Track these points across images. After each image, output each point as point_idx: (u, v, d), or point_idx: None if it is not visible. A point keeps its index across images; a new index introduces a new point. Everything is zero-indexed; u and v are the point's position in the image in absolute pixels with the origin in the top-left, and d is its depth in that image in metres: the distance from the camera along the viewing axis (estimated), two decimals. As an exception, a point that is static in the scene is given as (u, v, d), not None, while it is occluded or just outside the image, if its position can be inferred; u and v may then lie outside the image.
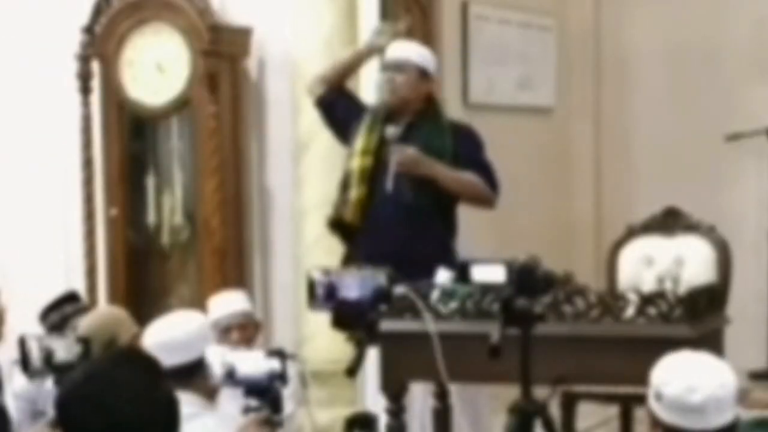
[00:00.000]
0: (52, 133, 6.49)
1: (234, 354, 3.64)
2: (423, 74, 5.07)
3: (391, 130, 4.97)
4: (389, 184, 4.94)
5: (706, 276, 4.99)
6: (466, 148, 5.03)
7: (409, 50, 5.15)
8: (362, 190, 4.98)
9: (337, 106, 5.19)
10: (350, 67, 5.31)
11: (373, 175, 4.98)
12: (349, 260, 4.95)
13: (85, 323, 4.47)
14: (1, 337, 4.60)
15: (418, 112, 5.04)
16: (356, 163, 5.00)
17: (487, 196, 5.02)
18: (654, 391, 3.04)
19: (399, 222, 4.91)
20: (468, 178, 4.97)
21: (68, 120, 6.26)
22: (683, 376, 3.00)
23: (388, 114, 5.04)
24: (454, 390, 4.81)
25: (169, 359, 3.77)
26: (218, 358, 3.64)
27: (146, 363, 2.60)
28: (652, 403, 3.04)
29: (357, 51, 5.38)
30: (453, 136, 5.03)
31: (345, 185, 5.03)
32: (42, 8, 6.48)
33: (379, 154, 4.98)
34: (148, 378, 2.53)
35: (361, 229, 4.99)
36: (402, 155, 4.90)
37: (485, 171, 5.01)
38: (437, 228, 4.99)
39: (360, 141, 5.02)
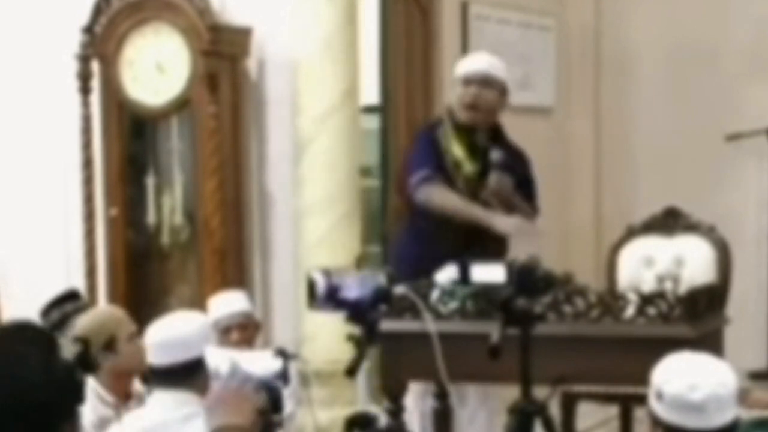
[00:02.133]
0: (52, 133, 6.49)
1: (242, 356, 3.64)
2: (503, 92, 5.11)
3: (496, 154, 5.02)
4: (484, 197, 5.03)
5: (706, 276, 5.00)
6: (527, 176, 5.18)
7: (493, 65, 5.16)
8: (477, 187, 5.03)
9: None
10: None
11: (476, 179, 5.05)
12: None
13: (82, 323, 4.47)
14: None
15: (490, 134, 5.10)
16: (469, 168, 5.06)
17: (532, 218, 5.13)
18: (655, 390, 3.04)
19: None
20: (528, 212, 5.09)
21: (68, 120, 6.26)
22: (684, 375, 3.00)
23: (465, 129, 5.07)
24: (473, 390, 4.84)
25: (168, 358, 3.79)
26: (224, 360, 3.65)
27: (39, 333, 2.55)
28: (653, 402, 3.05)
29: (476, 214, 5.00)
30: (520, 162, 5.17)
31: (474, 191, 5.05)
32: (42, 8, 6.49)
33: (480, 161, 5.05)
34: (44, 347, 2.48)
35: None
36: (503, 183, 5.00)
37: (532, 187, 5.19)
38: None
39: (458, 149, 5.06)
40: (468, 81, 5.07)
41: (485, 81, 5.06)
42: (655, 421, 3.05)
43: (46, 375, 2.41)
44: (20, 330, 2.52)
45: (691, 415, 2.97)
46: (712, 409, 2.98)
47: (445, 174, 5.03)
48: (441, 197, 4.97)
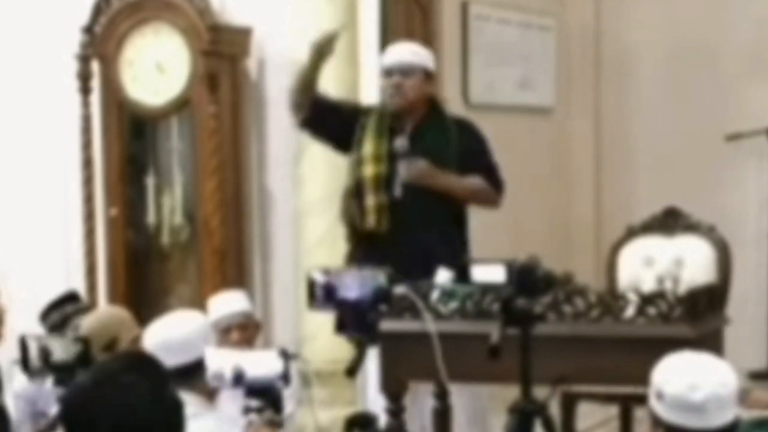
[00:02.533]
0: (52, 133, 6.49)
1: (244, 356, 3.64)
2: (427, 75, 5.08)
3: (400, 142, 4.97)
4: (398, 190, 4.97)
5: (706, 276, 5.00)
6: (471, 148, 5.06)
7: (412, 52, 5.15)
8: (381, 196, 4.97)
9: (325, 122, 5.12)
10: (310, 80, 5.06)
11: (388, 181, 4.99)
12: (354, 262, 4.95)
13: (86, 323, 4.47)
14: (1, 338, 4.60)
15: (423, 115, 5.06)
16: (370, 170, 4.99)
17: (492, 199, 5.10)
18: (655, 390, 3.04)
19: (417, 224, 4.93)
20: (475, 184, 5.02)
21: (68, 120, 6.26)
22: (685, 375, 3.01)
23: (394, 117, 5.04)
24: (454, 389, 4.81)
25: (169, 359, 3.77)
26: (227, 362, 3.64)
27: (153, 367, 2.61)
28: (654, 402, 3.05)
29: (308, 63, 5.07)
30: (458, 136, 5.05)
31: (357, 193, 5.01)
32: (42, 8, 6.49)
33: (391, 160, 4.99)
34: (155, 382, 2.54)
35: (379, 234, 4.97)
36: (413, 170, 4.93)
37: (490, 172, 5.07)
38: (450, 232, 5.03)
39: (369, 147, 5.00)
40: (389, 72, 5.07)
41: (402, 70, 5.04)
42: (656, 421, 3.05)
43: (152, 407, 2.46)
44: (133, 360, 2.57)
45: (691, 415, 2.97)
46: (712, 409, 2.98)
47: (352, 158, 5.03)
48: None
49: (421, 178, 4.95)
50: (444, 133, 5.05)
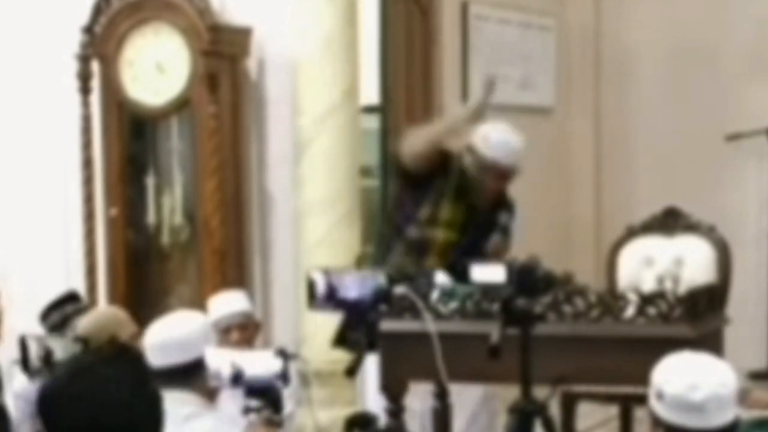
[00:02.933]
0: (52, 133, 6.48)
1: (243, 356, 3.64)
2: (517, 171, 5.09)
3: (504, 218, 5.03)
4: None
5: (706, 276, 5.00)
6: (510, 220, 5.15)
7: (522, 151, 5.11)
8: (442, 262, 4.91)
9: (424, 174, 5.03)
10: (446, 137, 4.98)
11: (454, 247, 4.98)
12: None
13: (84, 323, 4.47)
14: (0, 338, 4.60)
15: (495, 204, 5.09)
16: (441, 235, 4.99)
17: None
18: (655, 390, 3.04)
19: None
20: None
21: (68, 120, 6.26)
22: (685, 375, 3.01)
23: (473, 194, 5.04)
24: (474, 392, 4.85)
25: (168, 359, 3.78)
26: (225, 361, 3.64)
27: (132, 360, 2.58)
28: (654, 402, 3.05)
29: (458, 119, 5.03)
30: (513, 211, 5.15)
31: (419, 249, 4.99)
32: (42, 8, 6.48)
33: (463, 230, 4.99)
34: (135, 375, 2.51)
35: None
36: (500, 249, 4.97)
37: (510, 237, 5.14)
38: None
39: (446, 212, 5.00)
40: (496, 169, 4.99)
41: (513, 175, 5.05)
42: (656, 421, 3.05)
43: (133, 401, 2.44)
44: (113, 354, 2.55)
45: (691, 414, 2.97)
46: (712, 409, 2.98)
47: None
48: (419, 135, 4.97)
49: (499, 256, 4.87)
50: (509, 209, 5.13)
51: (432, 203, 5.00)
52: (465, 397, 5.03)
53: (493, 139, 5.00)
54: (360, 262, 5.21)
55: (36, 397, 2.55)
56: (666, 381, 3.02)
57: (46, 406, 2.49)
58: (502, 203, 5.12)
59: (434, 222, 4.99)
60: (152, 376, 2.60)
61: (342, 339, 3.51)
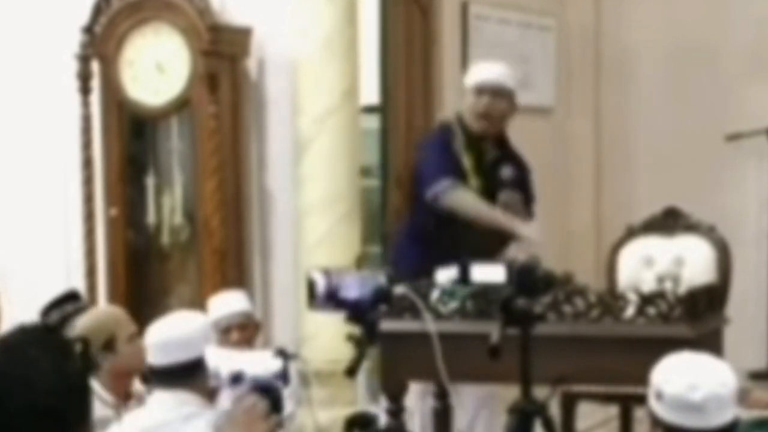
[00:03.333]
0: (52, 133, 6.48)
1: (241, 357, 3.64)
2: (513, 101, 5.16)
3: (507, 173, 5.12)
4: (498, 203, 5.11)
5: (706, 276, 5.00)
6: (529, 183, 5.29)
7: (508, 76, 5.19)
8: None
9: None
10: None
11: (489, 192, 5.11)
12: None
13: (82, 322, 4.47)
14: None
15: (498, 142, 5.18)
16: (474, 183, 5.12)
17: None
18: (655, 390, 3.04)
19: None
20: (537, 230, 5.10)
21: (68, 120, 6.26)
22: (684, 375, 3.01)
23: (476, 137, 5.12)
24: (473, 391, 4.85)
25: (169, 358, 3.78)
26: (225, 361, 3.64)
27: (54, 338, 2.55)
28: (653, 402, 3.05)
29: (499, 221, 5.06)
30: (522, 169, 5.26)
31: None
32: (42, 8, 6.48)
33: (488, 171, 5.13)
34: (58, 352, 2.47)
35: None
36: (511, 203, 5.08)
37: (532, 202, 5.28)
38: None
39: (467, 161, 5.12)
40: (481, 90, 5.10)
41: (498, 91, 5.09)
42: (655, 421, 3.05)
43: (57, 379, 2.40)
44: (30, 333, 2.51)
45: (690, 415, 2.97)
46: (711, 409, 2.98)
47: None
48: (470, 202, 5.06)
49: (514, 212, 5.06)
50: (518, 164, 5.24)
51: (455, 164, 5.11)
52: (465, 397, 5.03)
53: (474, 66, 5.35)
54: (360, 262, 5.22)
55: None
56: (665, 381, 3.02)
57: None
58: (507, 151, 5.21)
59: (465, 176, 5.11)
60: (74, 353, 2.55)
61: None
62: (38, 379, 2.39)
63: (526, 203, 5.23)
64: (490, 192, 5.11)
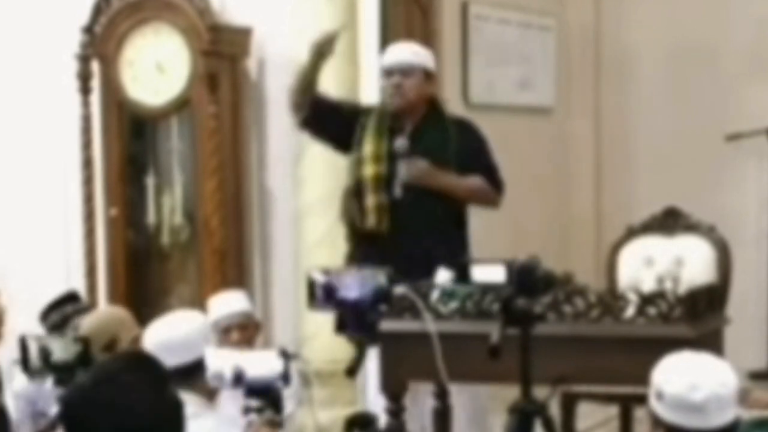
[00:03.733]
0: (51, 133, 6.49)
1: (244, 356, 3.64)
2: (428, 76, 5.09)
3: (400, 142, 4.98)
4: (398, 191, 4.97)
5: (706, 276, 5.00)
6: (471, 148, 5.07)
7: (413, 52, 5.16)
8: (381, 196, 4.98)
9: (325, 121, 5.11)
10: (310, 80, 5.05)
11: (388, 181, 4.99)
12: (354, 262, 4.94)
13: (86, 323, 4.47)
14: (1, 338, 4.60)
15: (422, 115, 5.06)
16: (369, 170, 4.98)
17: (492, 198, 5.11)
18: (655, 390, 3.04)
19: (417, 225, 4.93)
20: (475, 184, 5.03)
21: (68, 120, 6.26)
22: (685, 375, 3.00)
23: (394, 117, 5.05)
24: (453, 388, 4.82)
25: (169, 359, 3.77)
26: (226, 361, 3.64)
27: (153, 366, 2.61)
28: (653, 402, 3.05)
29: (308, 63, 5.05)
30: (458, 136, 5.05)
31: (357, 192, 5.01)
32: (42, 8, 6.49)
33: (391, 160, 5.00)
34: (156, 381, 2.53)
35: (379, 234, 4.97)
36: (413, 169, 4.93)
37: (490, 172, 5.08)
38: (452, 226, 5.03)
39: (369, 147, 5.00)
40: (389, 72, 5.07)
41: (402, 70, 5.05)
42: (656, 421, 3.05)
43: (153, 406, 2.45)
44: (129, 360, 2.56)
45: (691, 415, 2.97)
46: (712, 409, 2.97)
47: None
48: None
49: (421, 178, 4.95)
50: (443, 133, 5.05)
51: (356, 145, 5.03)
52: (465, 396, 5.03)
53: (385, 50, 5.27)
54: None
55: (59, 405, 2.57)
56: (666, 381, 3.02)
57: (71, 414, 2.52)
58: (436, 123, 5.09)
59: (361, 161, 5.00)
60: (170, 381, 2.62)
61: (343, 324, 3.51)
62: (134, 406, 2.43)
63: (485, 172, 5.04)
64: (390, 177, 4.97)
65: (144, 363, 2.63)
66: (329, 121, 5.11)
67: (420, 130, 5.03)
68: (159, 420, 2.49)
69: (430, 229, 4.94)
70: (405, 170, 4.94)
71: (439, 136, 5.03)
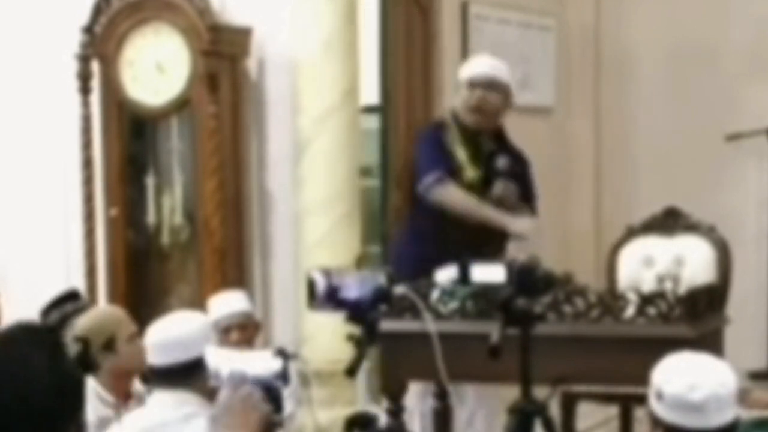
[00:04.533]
0: (52, 133, 6.48)
1: (242, 356, 3.63)
2: (508, 95, 5.17)
3: (503, 162, 5.10)
4: (492, 196, 5.11)
5: (706, 276, 5.00)
6: (527, 175, 5.29)
7: (501, 70, 5.21)
8: (482, 198, 5.09)
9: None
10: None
11: (485, 183, 5.13)
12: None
13: (82, 322, 4.46)
14: None
15: (494, 137, 5.17)
16: (470, 174, 5.15)
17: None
18: (655, 390, 3.04)
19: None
20: (525, 229, 5.10)
21: (68, 120, 6.26)
22: (684, 375, 3.00)
23: (471, 132, 5.13)
24: (471, 392, 4.86)
25: (169, 358, 3.78)
26: (225, 361, 3.64)
27: (50, 337, 2.53)
28: (653, 403, 3.05)
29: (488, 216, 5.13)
30: (520, 160, 5.26)
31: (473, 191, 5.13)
32: (42, 8, 6.48)
33: (483, 166, 5.13)
34: (53, 353, 2.46)
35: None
36: (506, 194, 5.10)
37: (533, 201, 5.29)
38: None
39: (461, 153, 5.15)
40: (473, 84, 5.11)
41: (490, 84, 5.10)
42: (655, 422, 3.05)
43: (51, 377, 2.39)
44: (24, 331, 2.49)
45: (691, 415, 2.97)
46: (712, 409, 2.97)
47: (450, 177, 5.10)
48: (456, 197, 5.08)
49: (510, 203, 5.08)
50: (515, 158, 5.24)
51: (447, 159, 5.13)
52: (465, 396, 5.03)
53: (469, 60, 5.39)
54: (360, 262, 5.23)
55: None
56: (666, 381, 3.02)
57: None
58: (504, 145, 5.22)
59: (459, 168, 5.13)
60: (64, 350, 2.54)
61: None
62: (30, 376, 2.38)
63: (524, 196, 5.23)
64: (486, 182, 5.12)
65: (39, 332, 2.56)
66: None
67: (497, 150, 5.14)
68: (55, 390, 2.41)
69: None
70: (502, 189, 5.06)
71: (513, 161, 5.21)
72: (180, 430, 3.72)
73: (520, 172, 5.24)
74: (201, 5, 5.93)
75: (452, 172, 5.11)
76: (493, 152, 5.16)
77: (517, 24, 7.35)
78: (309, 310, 3.66)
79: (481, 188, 5.10)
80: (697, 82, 7.45)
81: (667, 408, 3.00)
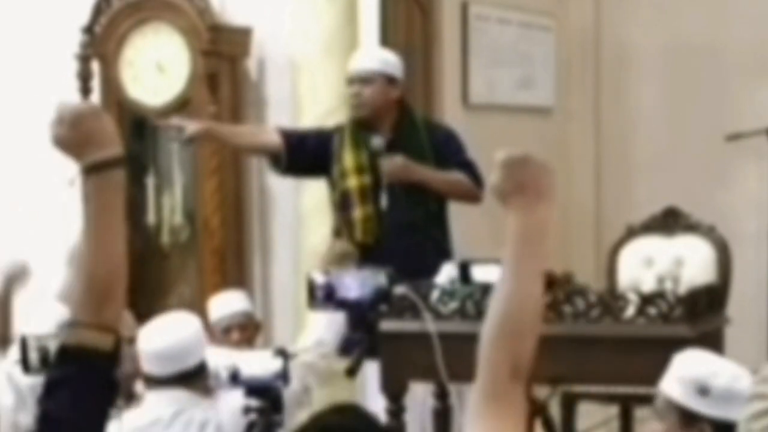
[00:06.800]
0: (52, 133, 6.47)
1: (240, 356, 3.64)
2: (390, 81, 5.09)
3: (377, 141, 4.99)
4: (384, 200, 4.97)
5: (706, 276, 5.00)
6: (446, 151, 5.11)
7: (372, 59, 5.16)
8: (367, 208, 4.98)
9: (302, 161, 5.17)
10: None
11: (374, 191, 4.99)
12: None
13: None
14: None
15: (394, 124, 5.08)
16: (353, 182, 5.00)
17: (473, 192, 5.09)
18: (696, 387, 2.95)
19: (399, 237, 4.93)
20: (455, 177, 5.04)
21: (68, 120, 6.24)
22: (725, 366, 2.95)
23: (365, 127, 5.06)
24: (455, 390, 4.83)
25: (168, 368, 3.77)
26: (224, 361, 3.64)
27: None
28: (691, 401, 2.95)
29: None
30: (432, 142, 5.08)
31: (343, 205, 5.02)
32: (42, 8, 6.48)
33: (374, 169, 5.00)
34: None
35: (367, 245, 4.97)
36: (392, 165, 4.93)
37: (468, 169, 5.09)
38: (435, 236, 5.04)
39: (349, 159, 5.02)
40: (350, 81, 5.09)
41: (364, 78, 5.06)
42: (687, 421, 2.97)
43: None
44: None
45: (740, 405, 2.88)
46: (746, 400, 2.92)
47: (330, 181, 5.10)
48: None
49: (401, 174, 4.96)
50: (417, 137, 5.07)
51: (336, 160, 5.05)
52: (466, 396, 5.03)
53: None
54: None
55: None
56: (711, 374, 2.93)
57: None
58: (404, 131, 5.11)
59: (344, 174, 5.03)
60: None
61: (347, 349, 3.52)
62: None
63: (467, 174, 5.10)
64: (375, 187, 5.01)
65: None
66: (304, 158, 5.14)
67: (395, 137, 5.05)
68: None
69: (411, 240, 4.94)
70: (384, 167, 4.96)
71: (414, 141, 5.05)
72: (173, 426, 3.72)
73: (442, 146, 5.08)
74: (201, 5, 5.93)
75: (333, 177, 5.06)
76: (379, 153, 5.02)
77: (517, 24, 7.34)
78: (309, 311, 3.67)
79: (372, 195, 5.01)
80: (697, 82, 7.45)
81: (716, 402, 2.91)
